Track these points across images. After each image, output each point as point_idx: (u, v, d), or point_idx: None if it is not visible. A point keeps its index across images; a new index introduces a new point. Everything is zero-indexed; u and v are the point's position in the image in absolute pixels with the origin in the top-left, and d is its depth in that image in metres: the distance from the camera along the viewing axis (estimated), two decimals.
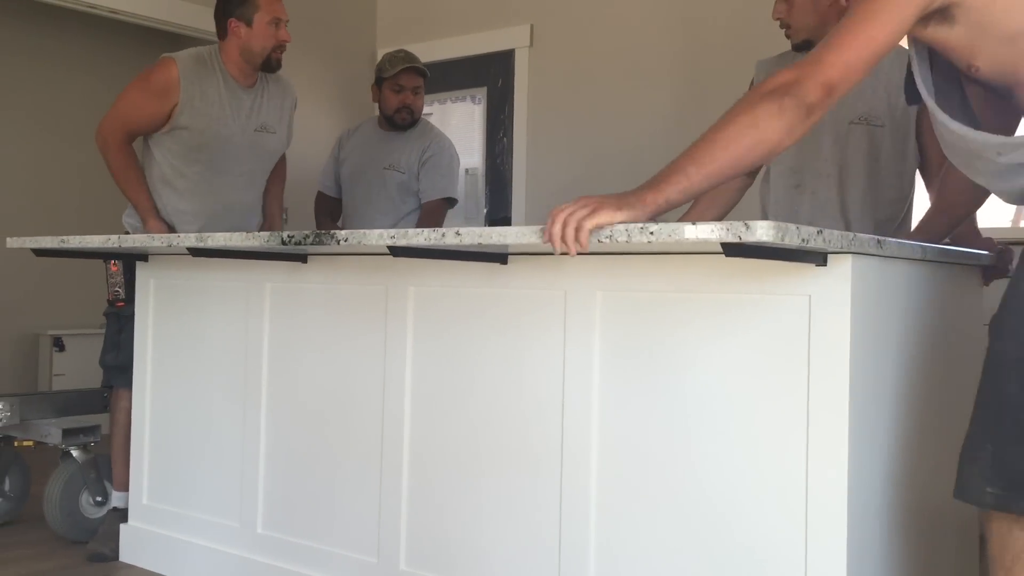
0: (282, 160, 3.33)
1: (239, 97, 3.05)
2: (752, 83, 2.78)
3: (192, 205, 3.03)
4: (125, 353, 2.97)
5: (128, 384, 2.96)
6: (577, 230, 1.50)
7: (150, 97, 2.96)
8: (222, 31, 3.04)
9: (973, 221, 2.35)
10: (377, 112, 3.83)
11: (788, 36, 2.56)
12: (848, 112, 2.51)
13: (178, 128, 2.97)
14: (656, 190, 1.53)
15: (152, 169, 3.05)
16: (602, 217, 1.49)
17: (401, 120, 3.68)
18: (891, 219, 2.52)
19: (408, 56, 3.71)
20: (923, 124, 2.49)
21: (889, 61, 2.52)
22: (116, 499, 3.01)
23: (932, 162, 2.49)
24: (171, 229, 3.01)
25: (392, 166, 3.69)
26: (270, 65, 3.05)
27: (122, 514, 2.96)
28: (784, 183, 2.62)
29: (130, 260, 2.96)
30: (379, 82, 3.72)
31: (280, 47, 3.03)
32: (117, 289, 2.99)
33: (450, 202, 3.76)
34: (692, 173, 1.52)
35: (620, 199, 1.53)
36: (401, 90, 3.66)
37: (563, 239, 1.51)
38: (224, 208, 3.06)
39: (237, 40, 3.00)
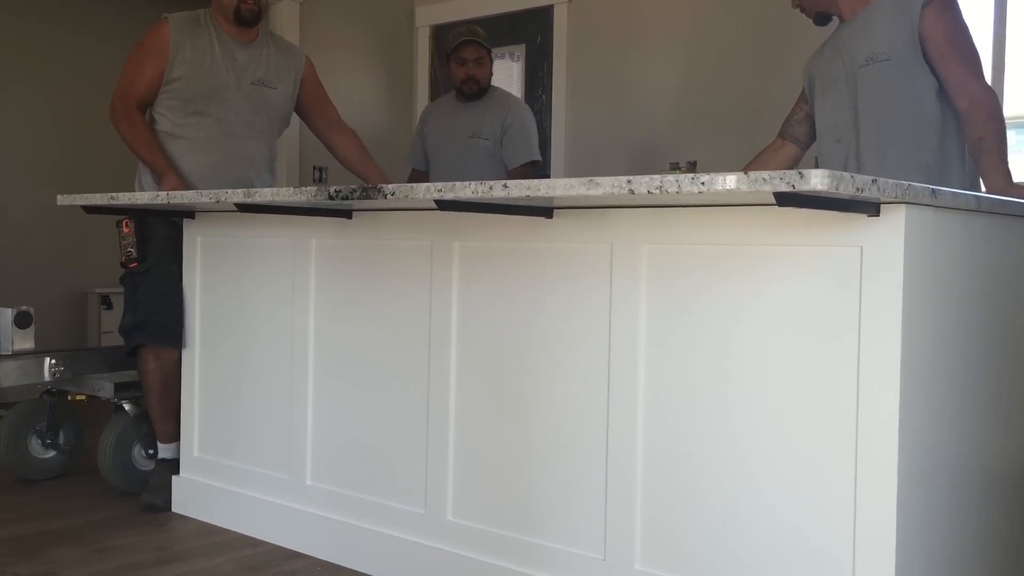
0: (346, 128, 3.41)
1: (232, 51, 3.10)
2: (804, 83, 2.82)
3: (195, 156, 3.07)
4: (142, 310, 3.00)
5: (147, 340, 2.99)
6: None
7: (146, 59, 3.03)
8: None
9: (992, 156, 2.41)
10: None
11: (807, 15, 2.79)
12: (857, 58, 2.60)
13: (172, 80, 3.03)
14: None
15: (154, 130, 3.09)
16: None
17: (468, 91, 3.81)
18: (923, 149, 2.53)
19: (468, 30, 3.81)
20: (927, 46, 2.50)
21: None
22: (162, 451, 3.08)
23: (948, 80, 2.51)
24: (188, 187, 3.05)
25: (476, 134, 3.82)
26: (242, 17, 3.07)
27: (171, 465, 3.04)
28: (827, 140, 2.71)
29: (142, 220, 2.99)
30: (447, 57, 3.85)
31: None
32: (130, 250, 3.00)
33: (534, 164, 3.89)
34: None
35: None
36: (464, 63, 3.78)
37: None
38: (227, 158, 3.09)
39: None
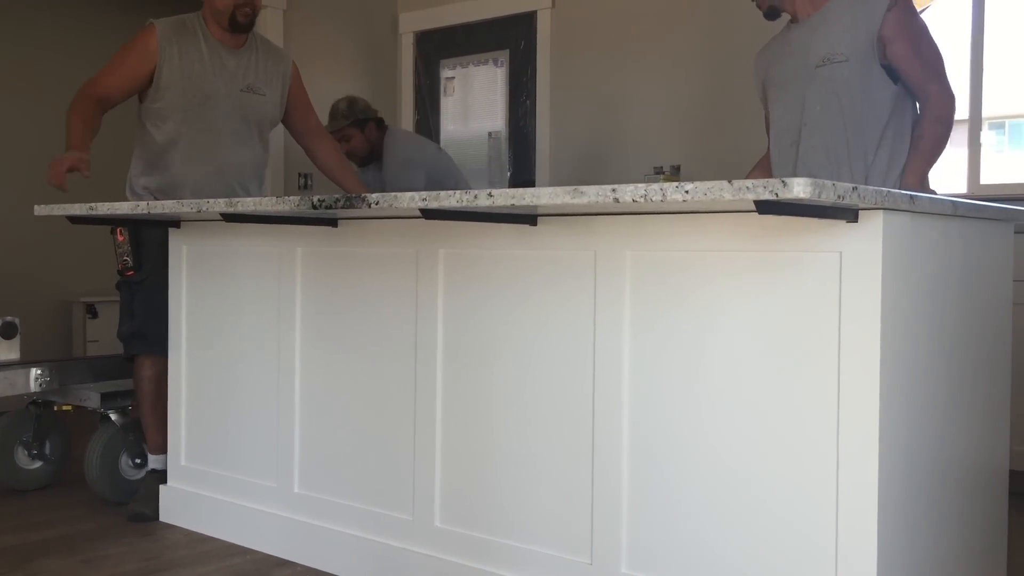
0: (326, 135, 3.42)
1: (222, 57, 3.04)
2: (754, 72, 2.86)
3: (187, 168, 3.02)
4: (139, 319, 3.00)
5: (146, 350, 3.00)
6: None
7: (128, 57, 2.97)
8: None
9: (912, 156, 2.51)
10: None
11: (759, 7, 2.79)
12: (813, 58, 2.62)
13: (161, 89, 2.98)
14: None
15: (145, 141, 3.06)
16: None
17: (357, 164, 4.10)
18: (871, 149, 2.58)
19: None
20: (890, 49, 2.54)
21: (850, 1, 2.57)
22: (152, 461, 3.08)
23: (910, 80, 2.56)
24: (153, 197, 3.02)
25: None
26: (237, 24, 3.01)
27: (160, 475, 3.03)
28: (782, 142, 2.74)
29: (136, 227, 2.98)
30: None
31: (245, 4, 2.99)
32: (125, 258, 3.00)
33: None
34: None
35: None
36: None
37: None
38: (218, 168, 3.06)
39: (207, 1, 3.04)
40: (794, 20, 2.74)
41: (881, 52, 2.54)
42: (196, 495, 2.87)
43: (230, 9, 2.99)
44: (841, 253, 1.68)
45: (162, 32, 2.98)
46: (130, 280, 3.03)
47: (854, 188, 1.43)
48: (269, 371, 2.68)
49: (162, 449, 3.03)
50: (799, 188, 1.34)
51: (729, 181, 1.40)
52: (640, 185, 1.49)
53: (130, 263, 3.00)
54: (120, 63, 2.98)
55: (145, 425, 3.06)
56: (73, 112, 2.91)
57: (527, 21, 4.87)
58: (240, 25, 3.02)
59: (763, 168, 2.96)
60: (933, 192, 2.59)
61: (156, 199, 3.01)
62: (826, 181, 1.36)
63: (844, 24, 2.57)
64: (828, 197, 1.40)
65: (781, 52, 2.74)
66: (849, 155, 2.58)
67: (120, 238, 2.99)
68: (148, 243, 3.00)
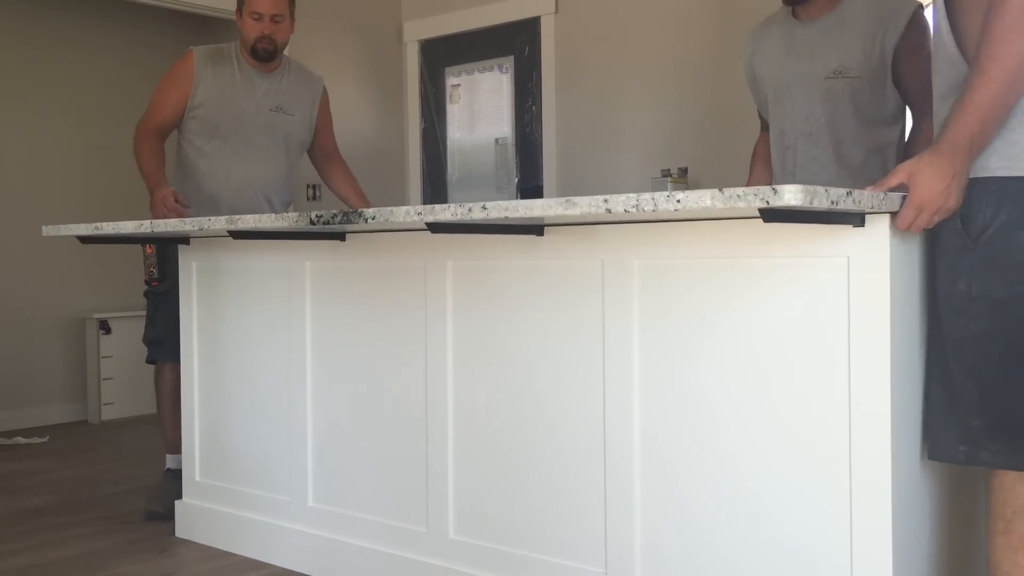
0: (339, 158, 3.57)
1: (253, 79, 3.28)
2: (743, 53, 2.79)
3: (217, 181, 3.24)
4: (160, 328, 3.24)
5: (165, 357, 3.22)
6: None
7: (171, 85, 3.24)
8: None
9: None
10: None
11: None
12: (822, 68, 2.54)
13: (196, 107, 3.22)
14: (963, 128, 1.51)
15: (180, 155, 3.29)
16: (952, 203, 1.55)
17: None
18: (875, 167, 2.53)
19: None
20: (900, 68, 2.49)
21: (866, 11, 2.50)
22: (170, 461, 3.26)
23: (915, 98, 2.52)
24: (184, 204, 3.11)
25: None
26: (257, 54, 3.23)
27: (176, 474, 3.17)
28: (778, 145, 2.67)
29: (163, 242, 3.11)
30: None
31: (263, 39, 3.19)
32: (152, 270, 3.25)
33: None
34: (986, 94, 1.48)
35: (938, 169, 1.52)
36: None
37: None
38: (246, 182, 3.26)
39: (240, 31, 3.26)
40: (802, 15, 2.60)
41: (895, 68, 2.48)
42: (211, 510, 2.88)
43: (251, 42, 3.21)
44: (849, 257, 1.66)
45: (199, 57, 3.24)
46: (155, 290, 3.27)
47: (848, 193, 1.42)
48: (281, 385, 2.69)
49: (179, 449, 3.16)
50: (790, 195, 1.33)
51: (720, 189, 1.39)
52: (632, 195, 1.49)
53: (156, 274, 3.24)
54: (165, 93, 3.24)
55: (165, 427, 3.26)
56: (140, 153, 3.19)
57: (531, 27, 4.86)
58: (260, 56, 3.23)
59: (763, 158, 2.87)
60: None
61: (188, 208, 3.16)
62: (818, 187, 1.35)
63: (862, 37, 2.48)
64: (821, 203, 1.38)
65: (785, 49, 2.63)
66: (852, 170, 2.53)
67: (148, 251, 3.24)
68: (171, 257, 3.18)
